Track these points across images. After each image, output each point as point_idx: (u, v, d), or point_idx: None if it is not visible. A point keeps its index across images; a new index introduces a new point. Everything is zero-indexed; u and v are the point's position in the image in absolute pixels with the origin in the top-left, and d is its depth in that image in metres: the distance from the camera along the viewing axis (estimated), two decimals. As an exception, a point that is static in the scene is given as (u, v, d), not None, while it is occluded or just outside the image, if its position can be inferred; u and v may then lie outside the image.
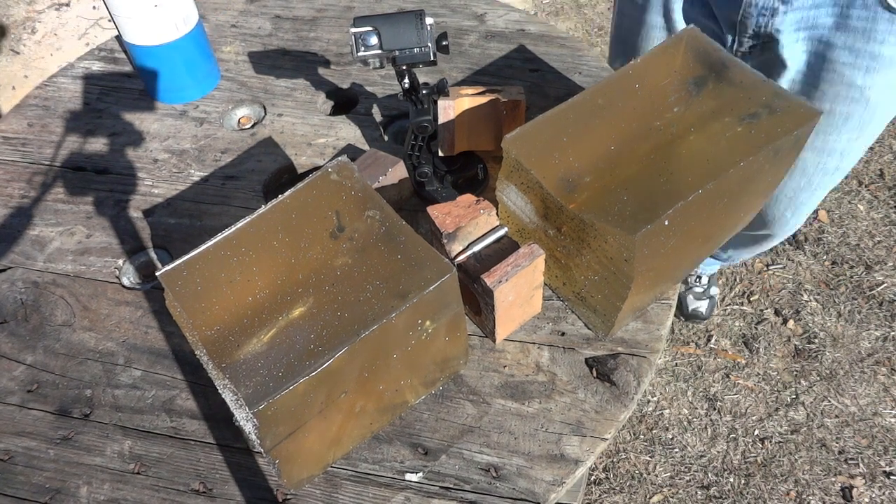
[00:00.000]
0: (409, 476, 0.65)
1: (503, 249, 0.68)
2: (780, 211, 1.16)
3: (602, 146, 0.67)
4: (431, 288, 0.56)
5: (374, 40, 0.73)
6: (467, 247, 0.67)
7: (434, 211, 0.69)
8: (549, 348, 0.72)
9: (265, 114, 0.98)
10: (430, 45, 0.74)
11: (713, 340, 1.62)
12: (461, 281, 0.68)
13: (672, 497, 1.41)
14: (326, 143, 0.94)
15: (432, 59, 0.75)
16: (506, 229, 0.69)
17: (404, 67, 0.75)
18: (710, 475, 1.43)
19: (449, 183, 0.85)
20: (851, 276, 1.69)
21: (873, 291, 1.66)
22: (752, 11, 0.90)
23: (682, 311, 1.64)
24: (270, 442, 0.55)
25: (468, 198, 0.70)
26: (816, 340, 1.61)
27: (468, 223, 0.68)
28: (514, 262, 0.65)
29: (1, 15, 2.48)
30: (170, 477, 0.66)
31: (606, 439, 0.66)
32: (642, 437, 1.48)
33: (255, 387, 0.52)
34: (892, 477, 1.41)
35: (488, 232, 0.68)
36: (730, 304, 1.67)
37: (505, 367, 0.71)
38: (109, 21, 2.39)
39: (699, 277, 1.64)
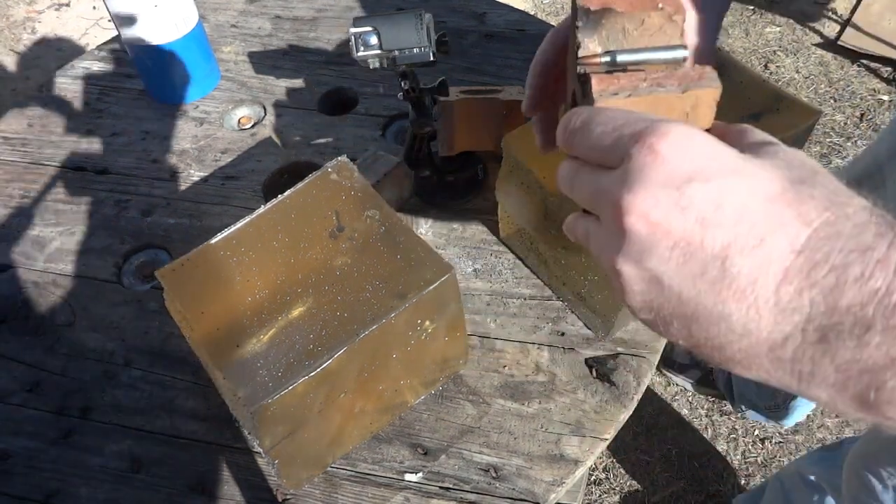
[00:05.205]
0: (408, 476, 0.65)
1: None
2: None
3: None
4: (431, 288, 0.56)
5: (373, 40, 0.73)
6: (610, 52, 0.37)
7: None
8: (549, 348, 0.72)
9: (265, 114, 0.98)
10: (429, 45, 0.74)
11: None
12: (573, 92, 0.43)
13: (672, 497, 1.41)
14: (326, 143, 0.94)
15: (432, 59, 0.74)
16: (687, 53, 0.37)
17: (404, 67, 0.75)
18: (710, 475, 1.43)
19: (449, 183, 0.85)
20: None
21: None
22: None
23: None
24: (270, 442, 0.55)
25: None
26: (817, 340, 1.60)
27: (628, 17, 0.38)
28: (655, 79, 0.36)
29: (1, 15, 2.48)
30: (169, 477, 0.66)
31: (606, 439, 0.66)
32: (642, 437, 1.48)
33: (255, 387, 0.52)
34: (892, 477, 1.41)
35: (660, 47, 0.38)
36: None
37: (504, 367, 0.71)
38: (109, 21, 2.38)
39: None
